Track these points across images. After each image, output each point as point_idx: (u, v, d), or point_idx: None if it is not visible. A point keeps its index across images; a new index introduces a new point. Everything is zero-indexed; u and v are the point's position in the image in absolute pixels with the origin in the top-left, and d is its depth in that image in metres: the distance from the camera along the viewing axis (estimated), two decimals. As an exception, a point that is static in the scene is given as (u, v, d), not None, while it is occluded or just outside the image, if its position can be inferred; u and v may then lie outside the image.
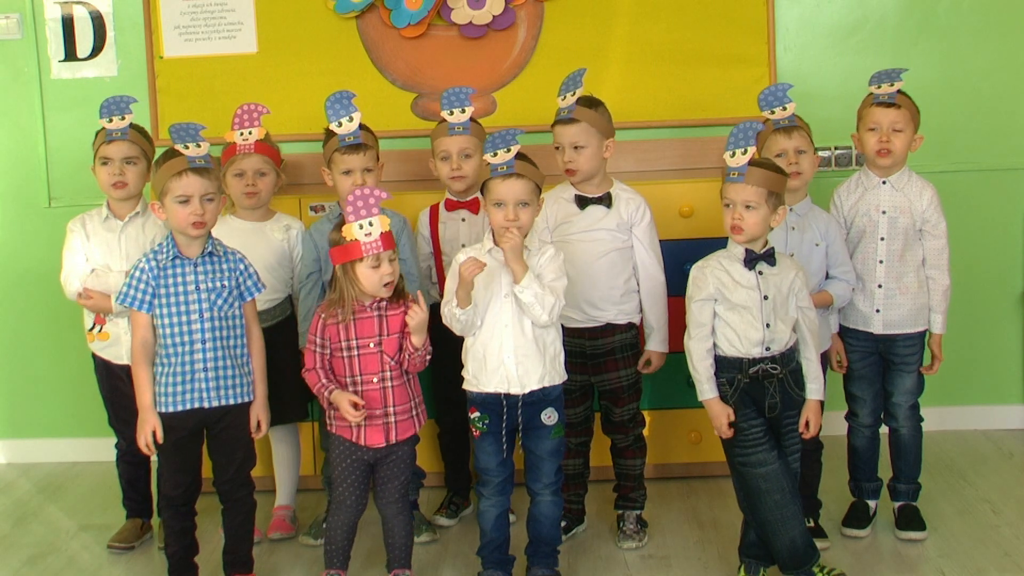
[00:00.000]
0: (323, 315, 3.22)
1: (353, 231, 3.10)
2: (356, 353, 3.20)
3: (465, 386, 3.30)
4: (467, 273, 3.10)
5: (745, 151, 3.09)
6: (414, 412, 3.26)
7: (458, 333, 3.25)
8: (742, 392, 3.15)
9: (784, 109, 3.42)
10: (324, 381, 3.21)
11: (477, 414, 3.26)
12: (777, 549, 3.18)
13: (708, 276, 3.16)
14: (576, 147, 3.47)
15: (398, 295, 3.21)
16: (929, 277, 3.53)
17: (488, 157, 3.19)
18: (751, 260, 3.13)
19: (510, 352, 3.20)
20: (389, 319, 3.20)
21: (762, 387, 3.15)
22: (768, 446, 3.15)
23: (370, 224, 3.10)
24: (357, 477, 3.26)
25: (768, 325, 3.12)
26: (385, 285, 3.14)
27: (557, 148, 3.51)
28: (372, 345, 3.19)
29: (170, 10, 4.43)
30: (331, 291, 3.25)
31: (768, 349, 3.14)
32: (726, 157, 3.12)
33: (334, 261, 3.18)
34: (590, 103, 3.49)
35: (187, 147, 3.16)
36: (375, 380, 3.20)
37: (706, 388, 3.17)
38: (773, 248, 3.17)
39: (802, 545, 3.18)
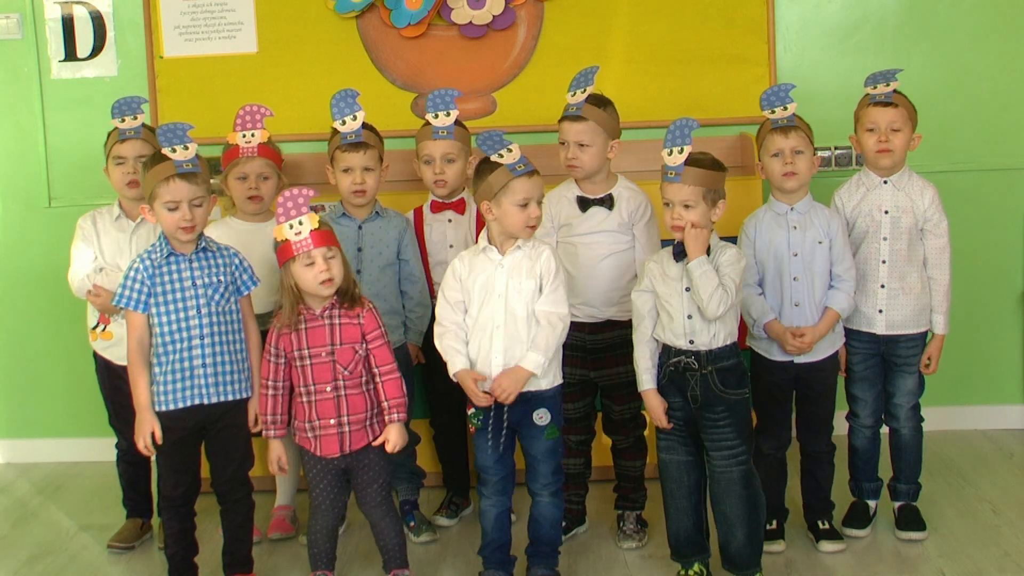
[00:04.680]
0: (277, 324, 3.21)
1: (283, 232, 3.10)
2: (309, 363, 3.17)
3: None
4: None
5: (682, 150, 3.12)
6: (369, 422, 3.22)
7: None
8: (669, 378, 3.23)
9: (785, 109, 3.41)
10: (270, 416, 3.22)
11: (472, 411, 3.25)
12: (668, 533, 3.31)
13: (646, 269, 3.26)
14: (581, 145, 3.46)
15: (352, 302, 3.19)
16: (930, 277, 3.53)
17: (495, 158, 3.16)
18: (679, 253, 3.18)
19: (499, 353, 3.19)
20: (342, 328, 3.18)
21: (684, 378, 3.20)
22: (680, 439, 3.24)
23: (299, 223, 3.10)
24: (329, 483, 3.25)
25: (690, 316, 3.16)
26: (322, 283, 3.12)
27: (562, 143, 3.49)
28: (324, 354, 3.17)
29: (170, 10, 4.43)
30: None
31: (692, 343, 3.16)
32: (663, 155, 3.15)
33: (279, 266, 3.18)
34: (599, 102, 3.48)
35: (174, 150, 3.14)
36: (328, 389, 3.18)
37: (644, 379, 3.27)
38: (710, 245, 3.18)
39: (684, 541, 3.28)
